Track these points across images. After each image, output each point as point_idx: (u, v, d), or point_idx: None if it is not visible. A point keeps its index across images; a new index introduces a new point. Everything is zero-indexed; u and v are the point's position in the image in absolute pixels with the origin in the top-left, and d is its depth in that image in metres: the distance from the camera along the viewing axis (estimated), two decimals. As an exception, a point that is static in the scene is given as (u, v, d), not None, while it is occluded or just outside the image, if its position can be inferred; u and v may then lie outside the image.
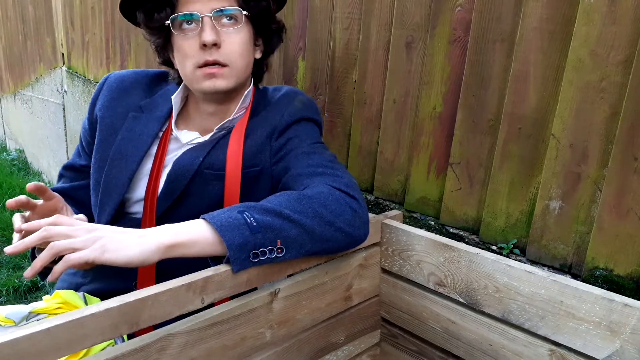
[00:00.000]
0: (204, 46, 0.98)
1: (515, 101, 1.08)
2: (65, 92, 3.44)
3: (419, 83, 1.26)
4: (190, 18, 0.99)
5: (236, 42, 1.01)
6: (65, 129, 3.54)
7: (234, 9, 1.00)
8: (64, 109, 3.51)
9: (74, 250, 0.69)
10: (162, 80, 1.17)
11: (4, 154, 4.83)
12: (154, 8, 1.03)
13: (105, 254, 0.70)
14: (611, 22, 0.92)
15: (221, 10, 0.99)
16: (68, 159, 3.50)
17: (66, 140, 3.54)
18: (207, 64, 1.00)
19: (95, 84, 2.90)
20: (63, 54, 3.40)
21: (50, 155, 3.89)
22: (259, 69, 1.14)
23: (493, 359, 0.89)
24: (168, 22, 1.01)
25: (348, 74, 1.43)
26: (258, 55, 1.11)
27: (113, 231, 0.74)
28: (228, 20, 1.00)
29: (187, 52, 1.01)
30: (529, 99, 1.06)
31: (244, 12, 1.01)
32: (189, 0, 0.99)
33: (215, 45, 0.99)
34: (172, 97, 1.07)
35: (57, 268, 0.69)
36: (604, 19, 0.93)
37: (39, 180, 3.96)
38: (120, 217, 1.07)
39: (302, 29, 1.53)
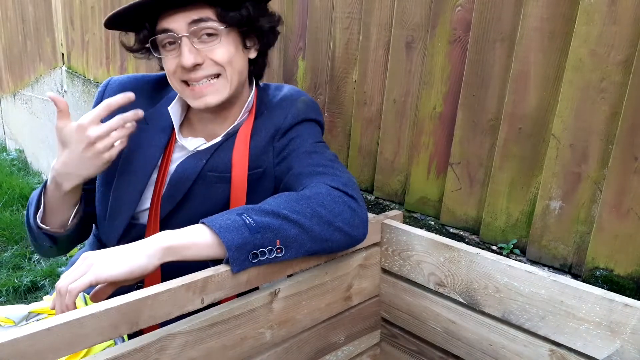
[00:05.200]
0: (183, 68, 0.97)
1: (515, 101, 1.08)
2: (65, 92, 3.43)
3: (419, 83, 1.26)
4: (169, 37, 0.97)
5: (220, 54, 0.98)
6: (65, 129, 3.53)
7: (210, 22, 0.96)
8: (63, 109, 3.51)
9: (74, 280, 0.72)
10: (163, 85, 1.14)
11: (4, 154, 4.83)
12: (133, 29, 1.01)
13: (104, 272, 0.72)
14: (611, 22, 0.92)
15: (197, 24, 0.95)
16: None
17: (66, 140, 3.53)
18: (189, 83, 0.99)
19: (95, 84, 2.90)
20: (63, 54, 3.40)
21: (50, 155, 3.89)
22: (257, 67, 1.11)
23: (493, 359, 0.89)
24: (148, 45, 1.00)
25: (348, 74, 1.43)
26: (253, 55, 1.07)
27: (105, 251, 0.75)
28: (207, 37, 0.97)
29: (170, 70, 1.00)
30: (529, 99, 1.06)
31: (222, 27, 0.97)
32: (165, 18, 0.96)
33: (198, 65, 0.97)
34: (169, 108, 1.05)
35: (66, 302, 0.71)
36: (604, 18, 0.93)
37: (38, 181, 3.97)
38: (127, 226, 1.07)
39: (302, 29, 1.53)
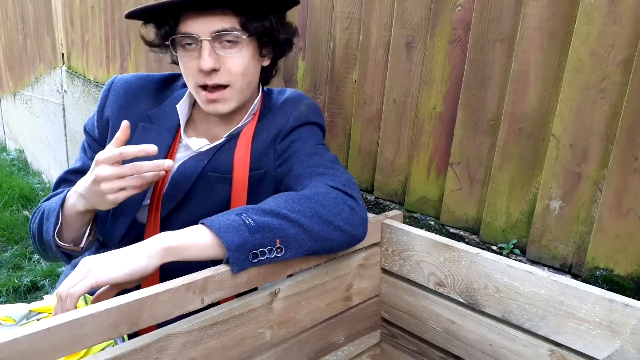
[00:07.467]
0: (202, 71, 0.97)
1: (515, 101, 1.08)
2: (65, 92, 3.43)
3: (419, 83, 1.26)
4: (189, 39, 0.97)
5: (237, 64, 0.99)
6: (65, 129, 3.54)
7: (233, 32, 0.97)
8: (63, 109, 3.51)
9: (75, 285, 0.72)
10: (168, 85, 1.15)
11: (4, 154, 4.83)
12: (156, 24, 1.02)
13: (105, 275, 0.72)
14: (611, 22, 0.92)
15: (221, 33, 0.96)
16: (68, 158, 3.50)
17: (66, 140, 3.54)
18: (207, 87, 0.99)
19: (95, 84, 2.90)
20: (63, 54, 3.40)
21: (50, 155, 3.89)
22: (267, 74, 1.12)
23: (493, 359, 0.89)
24: (168, 42, 1.00)
25: (348, 73, 1.43)
26: (266, 63, 1.09)
27: (105, 255, 0.75)
28: (228, 43, 0.97)
29: (188, 71, 1.00)
30: (529, 99, 1.06)
31: (244, 36, 0.98)
32: (189, 20, 0.96)
33: (215, 70, 0.97)
34: (178, 106, 1.06)
35: (67, 306, 0.71)
36: (604, 18, 0.93)
37: (38, 181, 3.97)
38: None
39: (302, 29, 1.53)
